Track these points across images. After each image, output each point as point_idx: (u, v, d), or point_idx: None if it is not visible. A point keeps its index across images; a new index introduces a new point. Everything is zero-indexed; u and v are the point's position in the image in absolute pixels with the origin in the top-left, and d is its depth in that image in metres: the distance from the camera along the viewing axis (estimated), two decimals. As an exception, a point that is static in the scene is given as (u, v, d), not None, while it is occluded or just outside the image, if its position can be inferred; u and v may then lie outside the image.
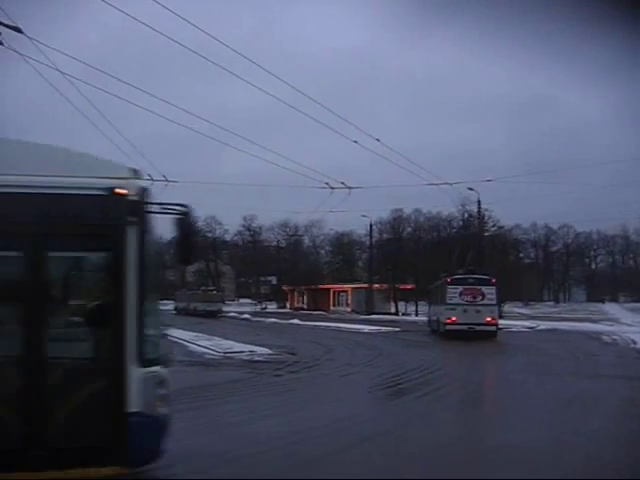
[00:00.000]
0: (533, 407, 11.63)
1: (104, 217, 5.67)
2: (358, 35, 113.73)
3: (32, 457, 5.45)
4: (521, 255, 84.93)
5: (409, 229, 73.99)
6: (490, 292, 28.05)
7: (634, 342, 26.95)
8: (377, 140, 21.08)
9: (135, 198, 5.68)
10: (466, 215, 54.13)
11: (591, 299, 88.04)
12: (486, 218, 52.54)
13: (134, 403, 5.63)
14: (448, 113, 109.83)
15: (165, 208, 5.86)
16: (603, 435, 9.26)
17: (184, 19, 12.85)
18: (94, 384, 5.75)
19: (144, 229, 5.71)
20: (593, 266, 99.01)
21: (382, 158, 22.25)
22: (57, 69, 10.80)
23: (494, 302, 28.44)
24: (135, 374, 5.65)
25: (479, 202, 48.80)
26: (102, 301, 6.02)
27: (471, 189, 43.96)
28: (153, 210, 5.78)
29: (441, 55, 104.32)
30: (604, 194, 78.91)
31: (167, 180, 12.19)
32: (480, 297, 27.70)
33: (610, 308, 66.94)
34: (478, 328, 26.55)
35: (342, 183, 19.53)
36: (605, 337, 30.42)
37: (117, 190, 5.64)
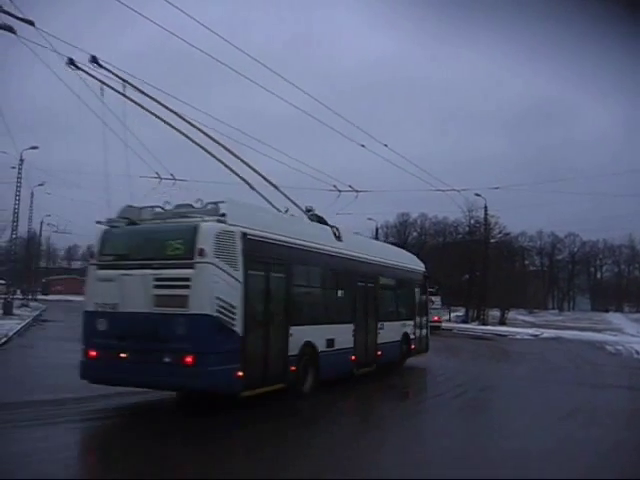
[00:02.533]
0: (538, 415, 11.69)
1: (422, 279, 19.69)
2: (379, 48, 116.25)
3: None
4: (526, 262, 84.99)
5: (415, 234, 74.16)
6: (437, 300, 39.90)
7: (638, 352, 27.02)
8: (385, 145, 21.26)
9: (426, 274, 20.18)
10: (472, 221, 54.23)
11: (595, 308, 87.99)
12: (492, 225, 52.53)
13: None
14: (460, 122, 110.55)
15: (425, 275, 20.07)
16: (607, 444, 9.34)
17: (209, 29, 12.90)
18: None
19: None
20: (598, 275, 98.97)
21: (390, 163, 22.41)
22: (68, 60, 10.69)
23: (439, 307, 42.51)
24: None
25: (486, 208, 48.94)
26: (420, 302, 19.40)
27: (478, 195, 44.19)
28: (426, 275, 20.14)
29: (454, 67, 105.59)
30: (611, 204, 79.52)
31: (174, 179, 12.36)
32: (431, 304, 38.36)
33: (614, 318, 66.80)
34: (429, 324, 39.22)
35: (349, 186, 19.59)
36: (609, 347, 30.46)
37: (424, 271, 20.05)
